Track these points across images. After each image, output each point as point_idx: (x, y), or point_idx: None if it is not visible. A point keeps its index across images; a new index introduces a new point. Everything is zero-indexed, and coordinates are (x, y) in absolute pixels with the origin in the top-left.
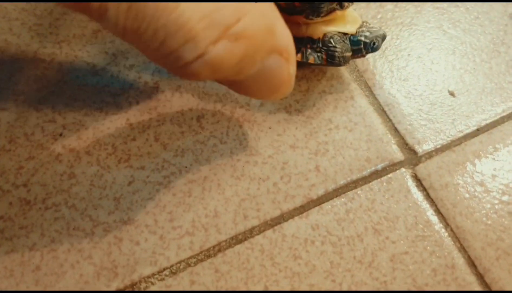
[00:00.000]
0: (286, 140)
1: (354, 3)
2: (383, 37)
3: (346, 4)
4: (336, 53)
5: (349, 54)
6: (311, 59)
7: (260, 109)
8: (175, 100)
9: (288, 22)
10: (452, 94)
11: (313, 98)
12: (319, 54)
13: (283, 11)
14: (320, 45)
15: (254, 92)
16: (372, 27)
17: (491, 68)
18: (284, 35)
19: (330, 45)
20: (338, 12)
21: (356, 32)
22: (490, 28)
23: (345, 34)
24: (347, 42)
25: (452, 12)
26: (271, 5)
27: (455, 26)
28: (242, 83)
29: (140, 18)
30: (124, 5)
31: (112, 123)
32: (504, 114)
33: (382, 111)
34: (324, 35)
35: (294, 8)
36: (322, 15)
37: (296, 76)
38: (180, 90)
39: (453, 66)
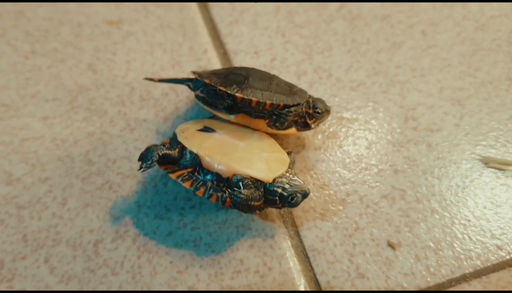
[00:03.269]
0: (185, 279)
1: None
2: (305, 195)
3: (313, 119)
4: (239, 200)
5: (257, 203)
6: (213, 198)
7: (167, 239)
8: (79, 219)
9: (250, 124)
10: (392, 246)
11: (228, 232)
12: (223, 195)
13: (245, 112)
14: (226, 186)
15: None
16: (295, 180)
17: (448, 219)
18: None
19: (236, 189)
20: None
21: (274, 180)
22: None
23: (259, 180)
24: (261, 189)
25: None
26: None
27: (411, 165)
28: None
29: None
30: None
31: (9, 237)
32: (454, 276)
33: (305, 258)
34: (233, 176)
35: (260, 111)
36: (285, 125)
37: (215, 206)
38: (86, 209)
39: (399, 212)
